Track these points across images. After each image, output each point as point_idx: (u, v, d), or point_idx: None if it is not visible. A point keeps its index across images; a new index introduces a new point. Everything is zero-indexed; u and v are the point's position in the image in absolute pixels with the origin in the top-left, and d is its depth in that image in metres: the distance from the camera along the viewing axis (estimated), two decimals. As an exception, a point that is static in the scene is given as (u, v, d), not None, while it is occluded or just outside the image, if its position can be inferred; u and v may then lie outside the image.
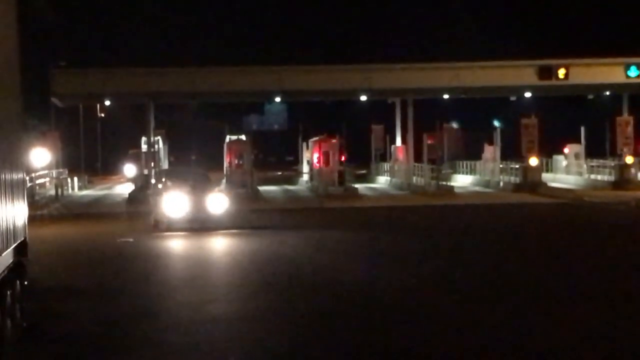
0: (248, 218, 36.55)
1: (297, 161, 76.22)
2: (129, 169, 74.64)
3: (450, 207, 44.07)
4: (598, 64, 55.29)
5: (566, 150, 64.20)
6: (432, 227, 34.70)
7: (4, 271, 10.78)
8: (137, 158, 71.86)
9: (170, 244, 30.12)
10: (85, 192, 62.85)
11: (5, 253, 11.25)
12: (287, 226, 35.38)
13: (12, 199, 12.26)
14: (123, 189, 60.41)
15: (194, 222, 33.47)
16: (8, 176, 11.83)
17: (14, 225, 12.38)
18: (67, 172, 66.49)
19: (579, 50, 59.66)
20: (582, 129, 61.14)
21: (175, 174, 39.85)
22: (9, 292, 11.18)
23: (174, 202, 33.59)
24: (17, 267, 12.54)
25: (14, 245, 12.24)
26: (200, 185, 35.40)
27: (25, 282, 13.81)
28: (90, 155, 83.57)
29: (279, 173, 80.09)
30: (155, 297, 18.72)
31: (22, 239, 13.43)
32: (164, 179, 37.32)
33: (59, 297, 18.77)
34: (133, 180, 67.39)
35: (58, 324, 15.87)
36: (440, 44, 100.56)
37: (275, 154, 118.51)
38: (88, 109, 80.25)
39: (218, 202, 34.00)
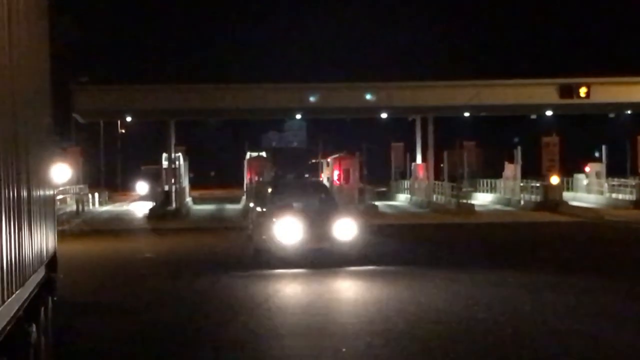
0: (380, 246, 30.26)
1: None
2: (142, 187, 74.56)
3: (483, 226, 43.92)
4: (619, 82, 55.22)
5: (587, 169, 64.05)
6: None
7: (36, 287, 10.82)
8: (150, 175, 71.87)
9: (279, 288, 21.94)
10: (105, 208, 63.06)
11: (40, 269, 11.31)
12: (428, 263, 26.94)
13: (45, 215, 12.34)
14: (143, 205, 60.41)
15: (312, 254, 25.51)
16: (42, 193, 11.90)
17: (47, 241, 12.46)
18: (87, 188, 66.71)
19: (601, 69, 59.58)
20: (604, 148, 60.97)
21: (284, 188, 30.42)
22: (42, 309, 11.23)
23: (286, 226, 25.63)
24: (49, 284, 12.60)
25: (46, 262, 12.31)
26: (321, 203, 27.77)
27: (55, 298, 13.86)
28: (110, 172, 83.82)
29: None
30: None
31: (52, 254, 13.50)
32: (270, 192, 28.88)
33: (82, 313, 18.81)
34: (146, 197, 67.22)
35: (84, 340, 15.92)
36: (461, 62, 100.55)
37: (294, 171, 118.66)
38: (109, 125, 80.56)
39: (346, 226, 25.69)
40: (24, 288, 9.56)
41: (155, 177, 70.51)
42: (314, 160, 68.66)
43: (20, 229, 9.34)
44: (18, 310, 9.04)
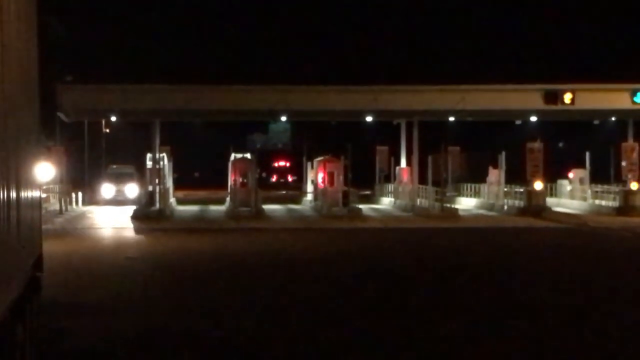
0: None
1: (301, 180, 76.34)
2: (107, 189, 68.88)
3: (469, 230, 44.04)
4: (604, 89, 55.32)
5: (571, 175, 64.16)
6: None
7: (25, 287, 10.80)
8: (116, 176, 69.39)
9: None
10: (88, 208, 62.84)
11: (26, 269, 11.28)
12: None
13: (32, 214, 12.31)
14: (125, 206, 60.10)
15: None
16: (29, 192, 11.87)
17: (33, 240, 12.43)
18: (70, 187, 66.30)
19: (586, 75, 59.75)
20: (587, 154, 61.09)
21: None
22: (28, 309, 11.20)
23: None
24: (35, 283, 12.57)
25: (32, 261, 12.28)
26: None
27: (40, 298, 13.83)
28: (94, 171, 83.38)
29: (283, 192, 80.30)
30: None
31: (38, 254, 13.47)
32: None
33: (66, 313, 18.75)
34: (112, 202, 65.07)
35: (66, 340, 15.87)
36: (447, 67, 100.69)
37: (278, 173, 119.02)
38: (93, 125, 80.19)
39: None
40: (10, 287, 9.53)
41: (122, 179, 68.76)
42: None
43: (9, 230, 9.32)
44: (4, 310, 9.01)
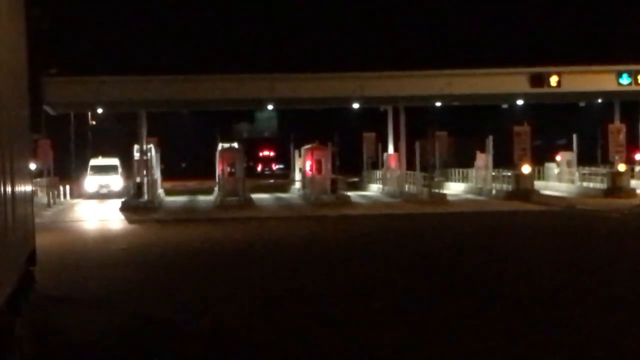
0: None
1: (286, 169, 76.37)
2: (91, 183, 67.28)
3: (457, 215, 44.12)
4: (590, 71, 55.35)
5: (558, 157, 64.32)
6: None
7: (19, 282, 10.79)
8: (100, 169, 68.32)
9: None
10: (76, 200, 62.70)
11: (21, 263, 11.27)
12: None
13: (25, 209, 12.30)
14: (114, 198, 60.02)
15: None
16: (23, 187, 11.85)
17: (27, 234, 12.42)
18: (58, 180, 66.06)
19: (571, 57, 59.78)
20: (574, 137, 61.22)
21: None
22: (23, 302, 11.20)
23: None
24: (29, 277, 12.56)
25: (26, 256, 12.27)
26: None
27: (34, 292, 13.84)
28: (81, 164, 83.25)
29: (271, 181, 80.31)
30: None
31: (32, 248, 13.46)
32: None
33: (60, 306, 18.73)
34: (95, 196, 64.03)
35: (60, 333, 15.84)
36: (433, 52, 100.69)
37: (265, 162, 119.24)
38: (79, 117, 80.00)
39: None
40: (7, 282, 9.53)
41: (106, 172, 68.05)
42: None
43: (5, 224, 9.31)
44: (2, 303, 9.00)
